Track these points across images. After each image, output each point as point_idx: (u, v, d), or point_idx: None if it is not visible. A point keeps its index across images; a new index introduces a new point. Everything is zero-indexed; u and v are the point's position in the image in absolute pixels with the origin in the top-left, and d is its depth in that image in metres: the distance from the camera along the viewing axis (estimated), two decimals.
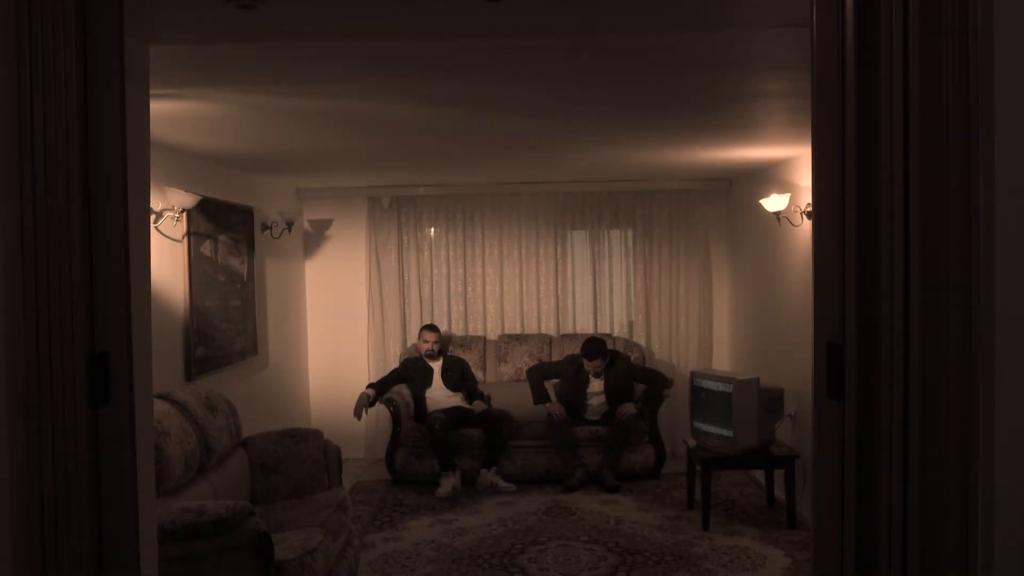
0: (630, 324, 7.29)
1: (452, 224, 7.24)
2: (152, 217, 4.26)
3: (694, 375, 5.52)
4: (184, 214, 4.62)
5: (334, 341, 7.26)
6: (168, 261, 4.53)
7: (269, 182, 6.35)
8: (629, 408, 6.14)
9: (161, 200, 4.40)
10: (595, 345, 6.13)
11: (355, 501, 5.84)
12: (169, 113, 3.59)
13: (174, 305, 4.61)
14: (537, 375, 6.35)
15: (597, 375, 6.21)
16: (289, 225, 6.35)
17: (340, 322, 7.27)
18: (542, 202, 7.19)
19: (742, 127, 4.35)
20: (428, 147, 4.95)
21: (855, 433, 1.64)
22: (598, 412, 6.25)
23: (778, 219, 5.61)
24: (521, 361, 7.01)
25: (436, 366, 6.53)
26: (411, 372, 6.50)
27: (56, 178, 1.74)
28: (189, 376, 4.70)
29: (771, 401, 5.17)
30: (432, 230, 7.29)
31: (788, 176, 5.62)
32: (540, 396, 6.27)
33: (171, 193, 4.42)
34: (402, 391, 6.43)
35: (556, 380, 6.48)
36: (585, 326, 7.28)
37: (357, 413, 6.10)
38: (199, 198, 4.65)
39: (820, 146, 1.72)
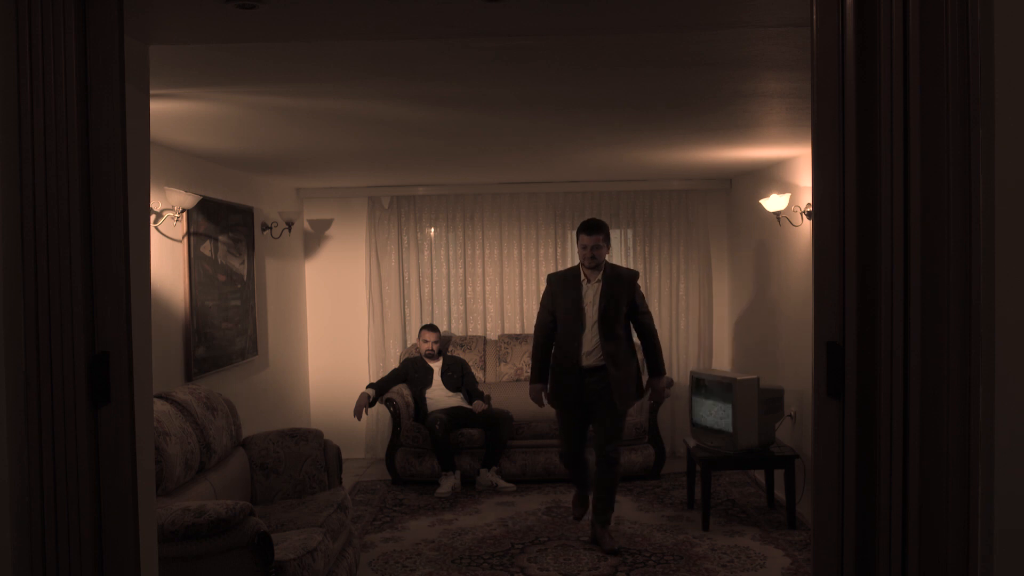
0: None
1: (452, 224, 7.24)
2: (152, 217, 4.26)
3: (694, 375, 5.52)
4: (184, 214, 4.62)
5: (334, 341, 7.26)
6: (168, 261, 4.53)
7: (269, 182, 6.35)
8: (660, 387, 4.84)
9: (161, 200, 4.40)
10: (594, 221, 4.78)
11: (355, 501, 5.84)
12: (169, 113, 3.59)
13: (174, 305, 4.61)
14: (541, 334, 4.85)
15: (593, 268, 4.72)
16: (289, 225, 6.35)
17: (340, 322, 7.27)
18: (542, 202, 7.19)
19: (742, 127, 4.35)
20: (428, 147, 4.95)
21: (855, 433, 1.64)
22: (593, 345, 4.68)
23: (778, 219, 5.61)
24: (521, 361, 7.01)
25: (436, 366, 6.53)
26: (411, 372, 6.50)
27: (56, 178, 1.74)
28: (189, 376, 4.70)
29: (771, 401, 5.17)
30: (432, 230, 7.29)
31: (788, 176, 5.62)
32: (536, 372, 4.87)
33: (171, 193, 4.42)
34: (402, 391, 6.43)
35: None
36: None
37: (357, 413, 6.10)
38: (199, 198, 4.65)
39: (820, 146, 1.72)
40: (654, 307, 7.21)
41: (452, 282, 7.29)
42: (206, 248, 4.97)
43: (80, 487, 1.78)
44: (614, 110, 3.92)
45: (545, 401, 4.87)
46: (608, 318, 4.65)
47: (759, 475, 6.09)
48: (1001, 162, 1.38)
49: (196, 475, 3.91)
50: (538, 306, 5.49)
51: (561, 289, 4.79)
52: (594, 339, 4.66)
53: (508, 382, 6.99)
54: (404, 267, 7.24)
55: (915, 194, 1.50)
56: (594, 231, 4.70)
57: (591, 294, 4.70)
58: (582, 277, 4.75)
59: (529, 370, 5.67)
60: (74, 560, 1.77)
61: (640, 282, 7.29)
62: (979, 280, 1.41)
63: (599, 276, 4.71)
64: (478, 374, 6.87)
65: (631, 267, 7.27)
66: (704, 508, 5.12)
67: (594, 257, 4.68)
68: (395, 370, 6.57)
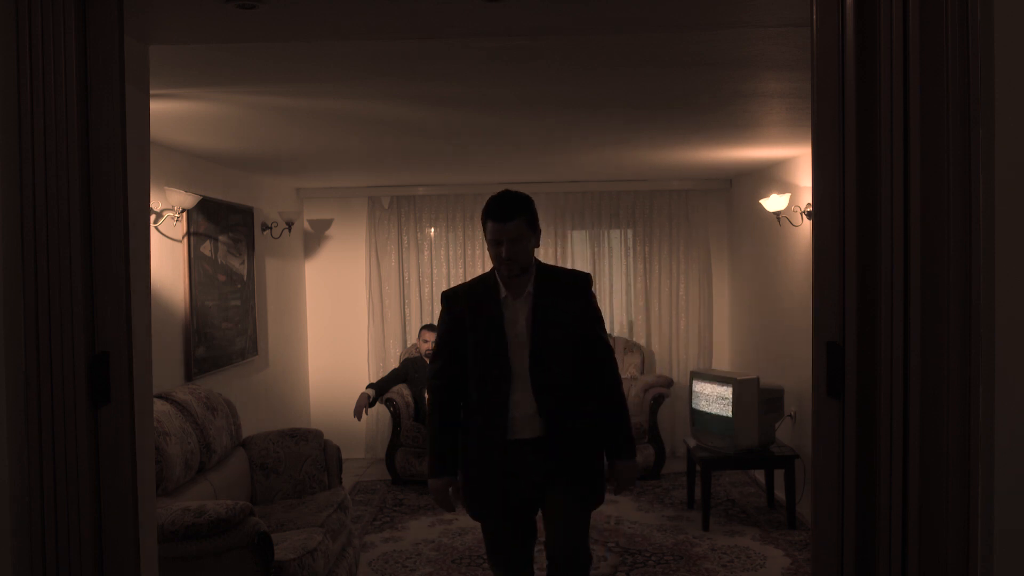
0: (630, 324, 7.29)
1: (452, 224, 7.24)
2: (152, 217, 4.26)
3: (694, 375, 5.52)
4: (184, 214, 4.62)
5: (334, 341, 7.27)
6: (168, 261, 4.53)
7: (269, 182, 6.35)
8: (630, 475, 3.02)
9: (161, 200, 4.40)
10: (508, 196, 2.84)
11: (355, 501, 5.84)
12: (169, 113, 3.59)
13: (174, 305, 4.61)
14: (439, 397, 2.98)
15: (517, 275, 2.85)
16: (289, 225, 6.35)
17: (340, 322, 7.27)
18: (542, 202, 7.17)
19: (742, 127, 4.35)
20: (428, 147, 4.95)
21: (855, 432, 1.64)
22: (528, 403, 2.85)
23: (778, 219, 5.61)
24: None
25: None
26: (411, 372, 6.50)
27: (56, 178, 1.74)
28: (189, 376, 4.70)
29: (771, 401, 5.17)
30: (432, 230, 7.29)
31: (788, 176, 5.62)
32: (440, 460, 2.97)
33: (171, 193, 4.42)
34: (402, 391, 6.43)
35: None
36: None
37: (357, 414, 6.10)
38: (199, 198, 4.65)
39: (820, 146, 1.72)
40: (654, 307, 7.19)
41: (452, 282, 7.29)
42: (206, 248, 4.97)
43: (80, 487, 1.77)
44: (614, 110, 3.91)
45: (458, 505, 3.03)
46: (550, 353, 2.85)
47: (759, 475, 6.09)
48: (1001, 162, 1.38)
49: (196, 475, 3.91)
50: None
51: (468, 312, 2.91)
52: (528, 392, 2.85)
53: None
54: (404, 267, 7.24)
55: (915, 194, 1.50)
56: (509, 214, 2.78)
57: (520, 317, 2.86)
58: (501, 291, 2.88)
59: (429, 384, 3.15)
60: (74, 560, 1.76)
61: (641, 283, 7.48)
62: (979, 280, 1.41)
63: (529, 287, 2.87)
64: None
65: (631, 269, 7.28)
66: (704, 508, 5.12)
67: (513, 259, 2.79)
68: (395, 370, 6.57)
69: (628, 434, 3.00)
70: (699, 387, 5.40)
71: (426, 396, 3.05)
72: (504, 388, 2.85)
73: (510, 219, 2.78)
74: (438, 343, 3.02)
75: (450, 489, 2.98)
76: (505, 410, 2.86)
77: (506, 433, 2.86)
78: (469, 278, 7.13)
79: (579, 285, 2.97)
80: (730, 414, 5.06)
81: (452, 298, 2.99)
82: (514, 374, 2.86)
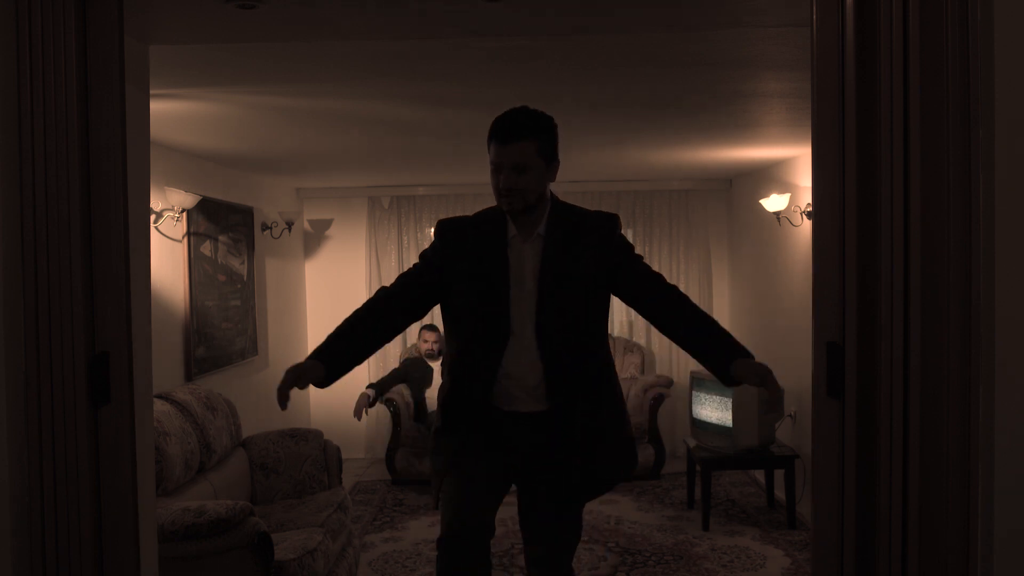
0: (630, 324, 7.28)
1: None
2: (152, 217, 4.26)
3: (694, 375, 5.52)
4: (184, 214, 4.62)
5: None
6: (168, 261, 4.53)
7: (269, 182, 6.35)
8: (762, 370, 2.37)
9: (161, 200, 4.40)
10: (517, 113, 2.42)
11: (355, 501, 5.84)
12: (169, 113, 3.59)
13: (174, 305, 4.60)
14: (372, 302, 2.57)
15: (522, 212, 2.38)
16: (289, 225, 6.35)
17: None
18: None
19: (742, 127, 4.35)
20: (428, 147, 4.95)
21: (855, 432, 1.64)
22: (536, 373, 2.34)
23: (778, 219, 5.61)
24: None
25: (436, 366, 6.52)
26: (411, 372, 6.50)
27: (56, 178, 1.74)
28: (189, 376, 4.70)
29: (771, 401, 5.17)
30: (432, 230, 7.28)
31: (788, 176, 5.62)
32: (321, 345, 2.49)
33: (171, 193, 4.42)
34: (402, 391, 6.43)
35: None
36: None
37: (357, 414, 6.09)
38: (199, 198, 4.65)
39: (820, 146, 1.72)
40: None
41: None
42: (206, 248, 4.97)
43: (80, 487, 1.77)
44: (614, 110, 3.91)
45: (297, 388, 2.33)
46: (564, 313, 2.33)
47: (759, 475, 6.08)
48: (1001, 162, 1.38)
49: (196, 475, 3.91)
50: None
51: (466, 251, 2.45)
52: (534, 358, 2.33)
53: None
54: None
55: (915, 194, 1.50)
56: (515, 134, 2.34)
57: (527, 264, 2.37)
58: (509, 229, 2.41)
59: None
60: (74, 560, 1.76)
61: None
62: (979, 280, 1.41)
63: (541, 226, 2.39)
64: None
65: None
66: (704, 508, 5.12)
67: (514, 191, 2.33)
68: (395, 370, 6.56)
69: (729, 337, 2.43)
70: (699, 387, 5.40)
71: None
72: (497, 350, 2.32)
73: (515, 140, 2.30)
74: (412, 268, 2.53)
75: (299, 380, 2.28)
76: (492, 378, 2.34)
77: (485, 400, 2.38)
78: None
79: (603, 229, 2.39)
80: (730, 414, 5.06)
81: (449, 229, 2.50)
82: (514, 333, 2.32)
